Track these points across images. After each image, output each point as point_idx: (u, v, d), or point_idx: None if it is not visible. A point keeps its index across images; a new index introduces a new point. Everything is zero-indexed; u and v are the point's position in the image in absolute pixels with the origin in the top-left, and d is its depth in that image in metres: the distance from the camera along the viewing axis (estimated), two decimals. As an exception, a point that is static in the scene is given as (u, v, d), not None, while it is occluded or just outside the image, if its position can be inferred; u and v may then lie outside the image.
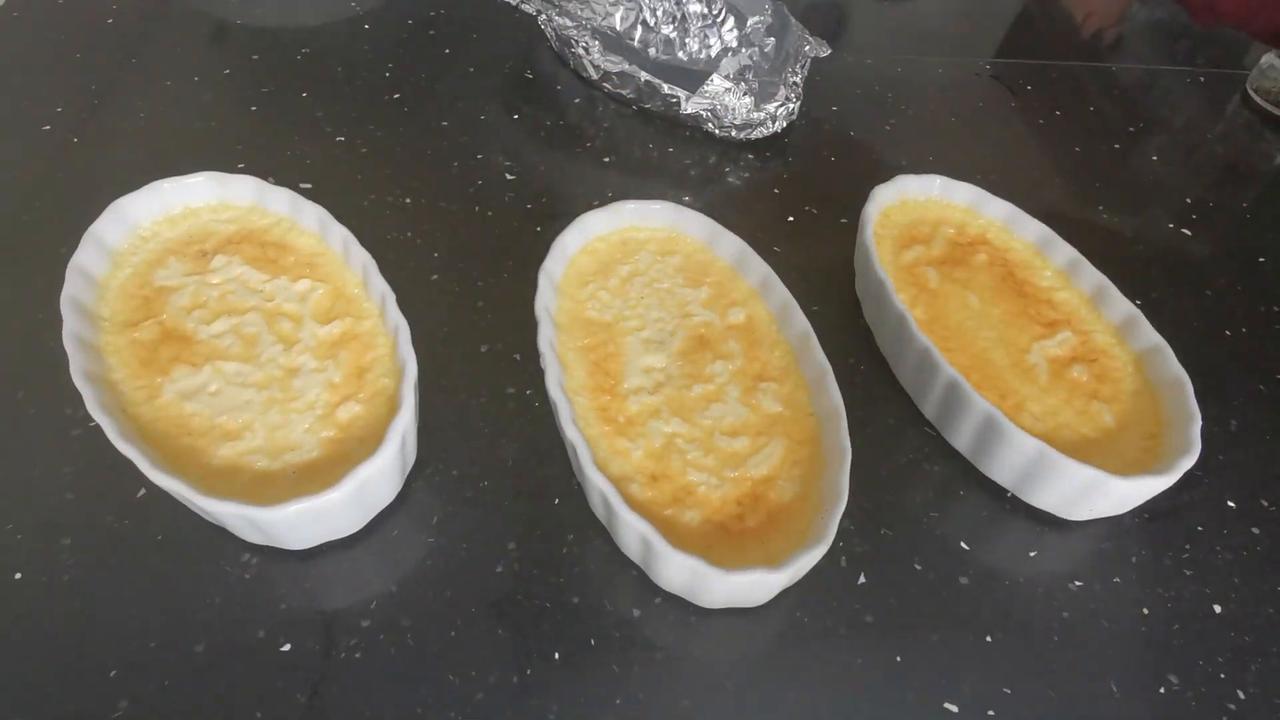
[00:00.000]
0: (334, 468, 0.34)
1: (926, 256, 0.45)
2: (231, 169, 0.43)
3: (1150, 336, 0.40)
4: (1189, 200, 0.58)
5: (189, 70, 0.58)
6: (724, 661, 0.33)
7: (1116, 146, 0.62)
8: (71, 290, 0.37)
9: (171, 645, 0.31)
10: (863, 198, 0.46)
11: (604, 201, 0.45)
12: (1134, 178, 0.59)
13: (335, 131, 0.54)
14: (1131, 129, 0.64)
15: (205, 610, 0.32)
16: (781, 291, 0.41)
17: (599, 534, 0.36)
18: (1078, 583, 0.36)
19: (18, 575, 0.33)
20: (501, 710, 0.31)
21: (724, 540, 0.33)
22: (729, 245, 0.43)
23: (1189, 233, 0.55)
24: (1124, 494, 0.35)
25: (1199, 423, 0.36)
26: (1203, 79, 0.71)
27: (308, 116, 0.55)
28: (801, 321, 0.39)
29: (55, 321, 0.35)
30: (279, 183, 0.43)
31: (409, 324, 0.37)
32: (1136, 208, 0.57)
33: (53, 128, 0.52)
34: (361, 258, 0.40)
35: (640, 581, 0.34)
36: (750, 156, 0.57)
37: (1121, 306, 0.42)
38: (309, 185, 0.48)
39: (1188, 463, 0.34)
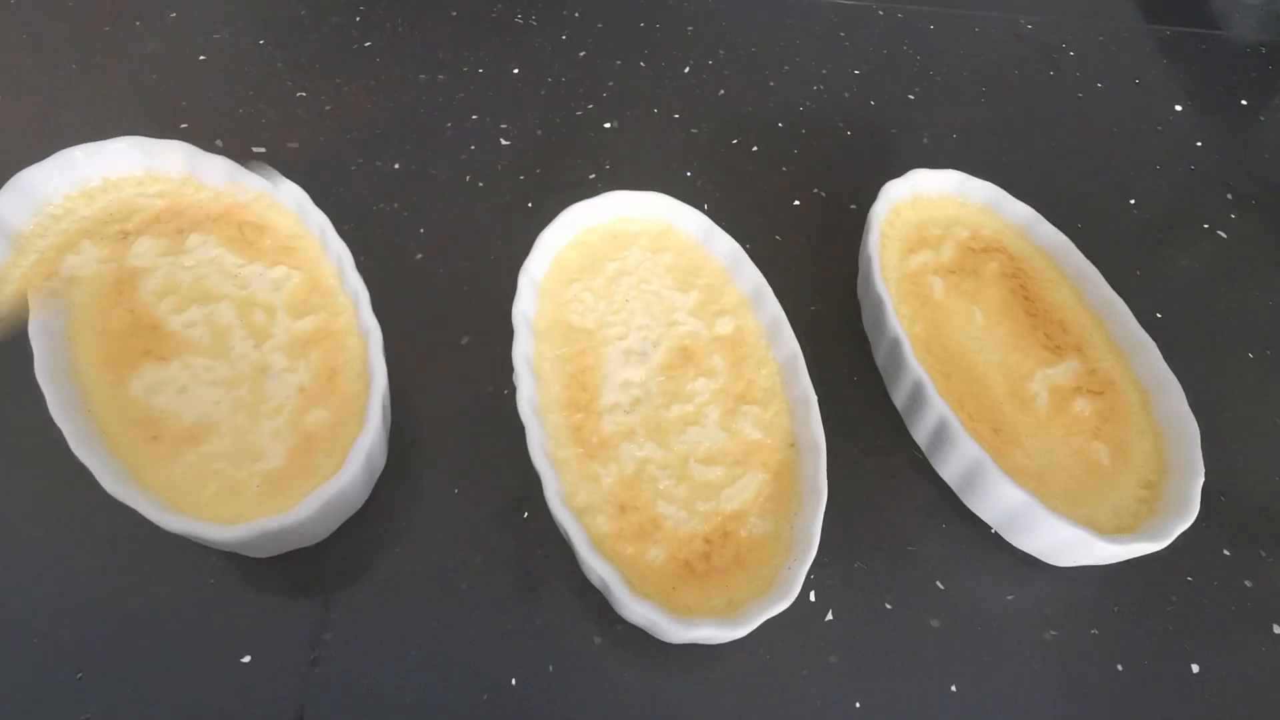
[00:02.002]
0: (299, 480, 0.33)
1: (934, 263, 0.42)
2: (174, 132, 0.38)
3: (1160, 371, 0.38)
4: (1229, 197, 0.54)
5: (130, 15, 0.52)
6: (683, 697, 0.32)
7: (1159, 129, 0.57)
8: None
9: (136, 657, 0.32)
10: (875, 180, 0.43)
11: (601, 173, 0.42)
12: (1174, 166, 0.55)
13: (296, 86, 0.50)
14: (1179, 107, 0.59)
15: (166, 620, 0.33)
16: (773, 305, 0.38)
17: (565, 553, 0.35)
18: (1053, 632, 0.35)
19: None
20: (454, 739, 0.31)
21: (688, 579, 0.32)
22: (723, 246, 0.41)
23: (1224, 235, 0.52)
24: (1110, 554, 0.33)
25: (1201, 478, 0.34)
26: (1264, 50, 0.65)
27: (265, 68, 0.50)
28: (791, 342, 0.37)
29: None
30: (229, 147, 0.38)
31: (386, 312, 0.35)
32: (1174, 203, 0.53)
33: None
34: (337, 248, 0.38)
35: (603, 607, 0.34)
36: (759, 129, 0.53)
37: (1133, 332, 0.39)
38: (262, 149, 0.43)
39: (1181, 525, 0.33)
